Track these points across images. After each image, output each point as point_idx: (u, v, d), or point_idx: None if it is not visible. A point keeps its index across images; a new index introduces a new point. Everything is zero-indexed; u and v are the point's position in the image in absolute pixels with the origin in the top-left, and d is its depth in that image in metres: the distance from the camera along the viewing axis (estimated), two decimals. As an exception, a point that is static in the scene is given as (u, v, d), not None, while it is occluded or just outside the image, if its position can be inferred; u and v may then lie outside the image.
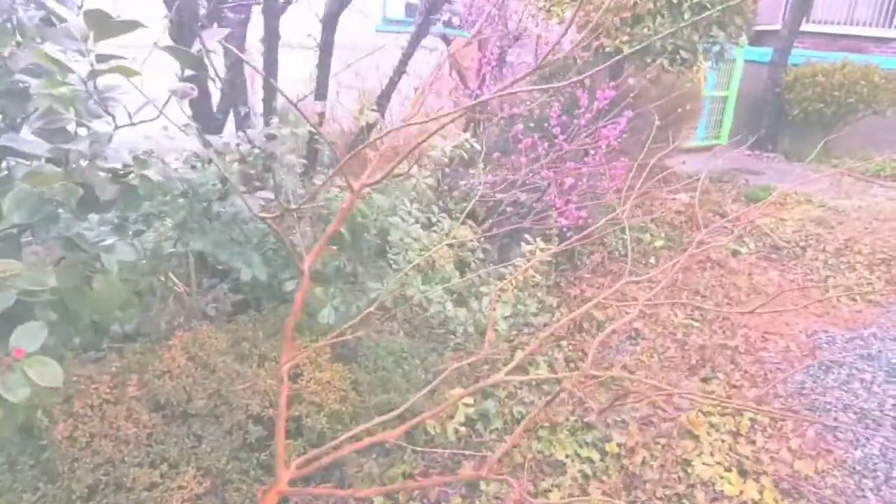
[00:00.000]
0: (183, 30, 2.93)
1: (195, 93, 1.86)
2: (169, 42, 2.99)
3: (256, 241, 2.85)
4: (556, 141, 4.31)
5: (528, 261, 3.46)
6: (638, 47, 5.40)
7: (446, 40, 6.74)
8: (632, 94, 4.86)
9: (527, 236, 3.59)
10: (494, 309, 3.21)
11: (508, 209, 4.87)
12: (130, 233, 2.26)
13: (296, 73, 4.82)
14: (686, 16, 5.74)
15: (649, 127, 8.54)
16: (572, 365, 4.22)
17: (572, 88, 5.93)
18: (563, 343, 4.44)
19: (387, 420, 2.54)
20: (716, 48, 6.32)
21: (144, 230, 2.45)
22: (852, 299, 5.53)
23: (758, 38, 13.46)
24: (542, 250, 3.48)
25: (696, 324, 4.91)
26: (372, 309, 2.54)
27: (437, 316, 2.95)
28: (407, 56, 3.91)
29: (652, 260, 6.03)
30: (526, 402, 3.79)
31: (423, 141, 2.20)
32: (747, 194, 8.28)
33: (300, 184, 2.78)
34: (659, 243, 6.40)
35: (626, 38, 5.67)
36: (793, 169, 10.30)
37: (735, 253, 6.42)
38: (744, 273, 5.91)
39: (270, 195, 2.46)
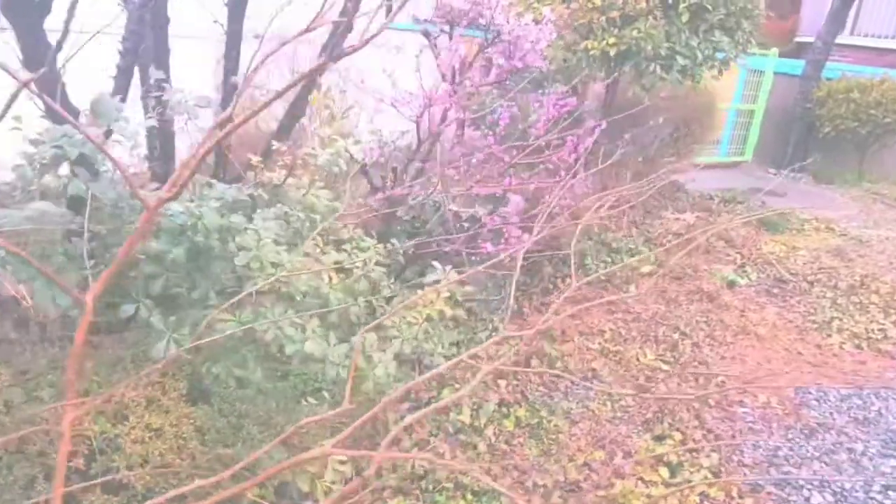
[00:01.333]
0: (18, 3, 2.50)
1: None
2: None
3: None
4: (492, 152, 3.77)
5: (437, 291, 2.94)
6: (613, 52, 4.83)
7: (428, 37, 6.25)
8: (584, 104, 4.27)
9: (435, 263, 3.08)
10: (382, 350, 2.70)
11: (465, 224, 4.35)
12: None
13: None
14: (683, 18, 5.13)
15: (653, 140, 7.92)
16: (504, 410, 3.67)
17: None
18: (502, 383, 3.89)
19: (222, 479, 2.07)
20: (721, 55, 5.68)
21: None
22: (858, 347, 4.84)
23: (799, 51, 12.61)
24: (454, 281, 2.96)
25: (665, 367, 4.30)
26: (181, 351, 2.06)
27: (297, 355, 2.46)
28: (327, 48, 3.43)
29: (632, 288, 5.41)
30: (438, 454, 3.27)
31: (231, 131, 1.72)
32: (760, 219, 7.54)
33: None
34: (646, 269, 5.78)
35: (613, 40, 5.08)
36: (820, 192, 9.49)
37: (732, 284, 5.76)
38: (736, 308, 5.26)
39: (53, 207, 2.02)
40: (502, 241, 4.02)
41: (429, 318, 3.07)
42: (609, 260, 5.87)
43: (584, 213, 5.81)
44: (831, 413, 4.01)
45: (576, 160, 4.39)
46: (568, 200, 4.43)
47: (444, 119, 4.79)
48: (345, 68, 3.94)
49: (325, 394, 3.38)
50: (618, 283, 5.50)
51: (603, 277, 5.59)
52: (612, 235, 6.39)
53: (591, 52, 5.18)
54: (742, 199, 8.41)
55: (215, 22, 3.30)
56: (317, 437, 2.84)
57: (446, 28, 5.03)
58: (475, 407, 3.60)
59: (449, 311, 2.97)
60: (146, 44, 3.39)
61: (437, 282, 2.96)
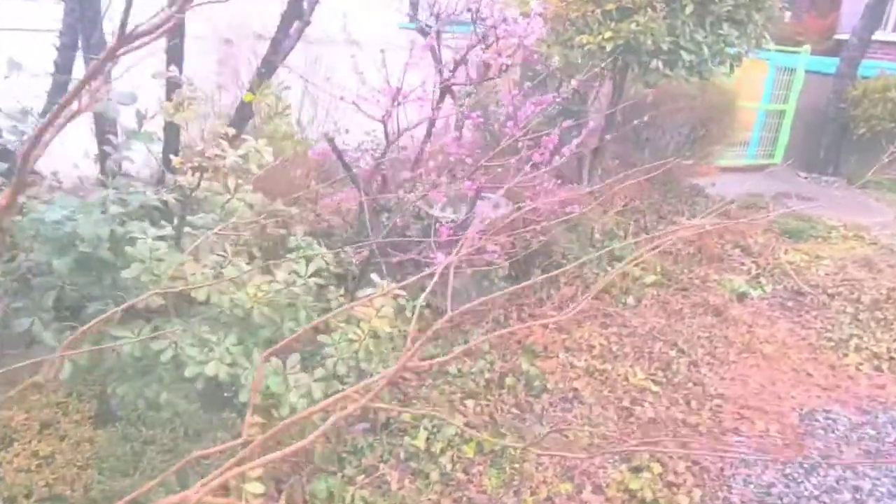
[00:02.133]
0: None
1: None
2: None
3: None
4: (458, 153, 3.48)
5: (376, 305, 2.67)
6: (609, 46, 4.49)
7: (424, 33, 6.00)
8: (558, 99, 3.94)
9: (374, 276, 2.81)
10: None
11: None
12: None
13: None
14: (687, 10, 4.76)
15: (668, 142, 7.50)
16: (467, 434, 3.37)
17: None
18: (469, 403, 3.59)
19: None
20: (732, 50, 5.28)
21: None
22: (877, 369, 4.40)
23: (838, 48, 11.97)
24: (392, 295, 2.68)
25: (655, 388, 3.94)
26: (46, 376, 1.83)
27: (200, 378, 2.22)
28: (276, 43, 3.20)
29: (630, 300, 5.04)
30: (384, 484, 3.00)
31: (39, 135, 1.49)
32: (782, 225, 7.06)
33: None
34: (650, 279, 5.40)
35: (609, 34, 4.74)
36: (853, 196, 8.90)
37: (742, 296, 5.33)
38: (744, 323, 4.85)
39: None
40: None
41: (374, 335, 2.80)
42: (609, 269, 5.51)
43: (582, 218, 5.50)
44: (838, 444, 3.60)
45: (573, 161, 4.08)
46: (552, 204, 4.12)
47: (433, 120, 4.52)
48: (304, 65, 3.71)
49: (275, 412, 3.14)
50: (615, 293, 5.14)
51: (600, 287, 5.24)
52: (617, 242, 6.02)
53: (587, 48, 4.84)
54: (765, 203, 7.91)
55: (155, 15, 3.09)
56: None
57: (431, 23, 4.76)
58: (434, 430, 3.31)
59: (387, 329, 2.69)
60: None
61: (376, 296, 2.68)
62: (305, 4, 3.38)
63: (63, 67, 3.14)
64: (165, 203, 2.43)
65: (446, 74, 4.76)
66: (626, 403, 3.77)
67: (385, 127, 3.80)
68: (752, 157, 10.11)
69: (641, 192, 7.10)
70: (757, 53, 5.61)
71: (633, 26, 4.67)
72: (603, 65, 5.30)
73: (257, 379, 2.06)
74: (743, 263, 6.03)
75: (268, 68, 3.23)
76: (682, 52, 4.92)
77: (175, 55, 3.11)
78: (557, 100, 3.95)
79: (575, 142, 3.99)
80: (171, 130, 3.29)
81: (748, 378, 4.14)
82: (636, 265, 5.61)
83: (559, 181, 6.83)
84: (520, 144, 3.62)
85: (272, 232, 3.29)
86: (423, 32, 5.68)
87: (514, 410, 3.64)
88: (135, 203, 2.30)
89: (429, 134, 4.75)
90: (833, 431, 3.71)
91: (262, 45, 3.67)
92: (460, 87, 4.94)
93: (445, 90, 4.75)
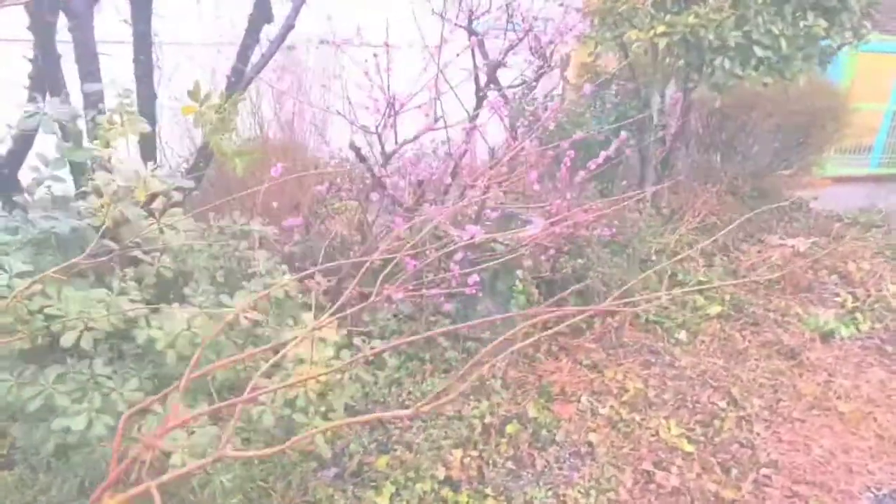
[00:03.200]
0: None
1: None
2: None
3: None
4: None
5: (305, 347, 2.32)
6: (663, 43, 3.87)
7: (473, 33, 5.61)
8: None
9: (306, 315, 2.45)
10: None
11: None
12: None
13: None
14: (760, -3, 4.04)
15: (760, 149, 6.61)
16: (445, 492, 2.94)
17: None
18: (457, 453, 3.15)
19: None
20: (825, 42, 4.46)
21: None
22: None
23: None
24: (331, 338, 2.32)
25: (689, 447, 3.31)
26: None
27: (71, 435, 1.97)
28: (243, 50, 2.93)
29: (682, 335, 4.36)
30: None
31: None
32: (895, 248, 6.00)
33: None
34: (714, 309, 4.68)
35: (662, 28, 4.11)
36: None
37: (829, 335, 4.49)
38: (823, 370, 4.05)
39: None
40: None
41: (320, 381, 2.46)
42: (668, 297, 4.84)
43: (633, 237, 4.86)
44: (921, 543, 2.84)
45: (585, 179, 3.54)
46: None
47: (469, 129, 4.14)
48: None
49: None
50: (669, 326, 4.48)
51: (652, 317, 4.59)
52: (685, 266, 5.32)
53: (636, 45, 4.24)
54: (881, 222, 6.79)
55: (123, 21, 2.93)
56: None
57: (462, 22, 4.36)
58: (404, 484, 2.91)
59: (323, 378, 2.33)
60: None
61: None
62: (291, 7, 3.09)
63: (38, 80, 3.04)
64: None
65: (483, 78, 4.38)
66: (647, 465, 3.18)
67: (380, 139, 3.45)
68: (875, 166, 8.88)
69: (723, 205, 6.29)
70: (859, 48, 4.72)
71: (691, 19, 4.02)
72: (660, 62, 4.68)
73: (116, 441, 1.77)
74: (837, 294, 5.12)
75: (237, 78, 2.98)
76: (756, 48, 4.19)
77: (141, 63, 2.93)
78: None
79: (603, 155, 3.44)
80: (147, 145, 3.12)
81: (813, 442, 3.40)
82: (699, 292, 4.90)
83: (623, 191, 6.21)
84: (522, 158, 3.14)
85: (242, 255, 3.03)
86: (473, 33, 5.27)
87: (510, 465, 3.16)
88: (36, 230, 2.10)
89: (466, 144, 4.36)
90: (917, 523, 2.94)
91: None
92: (513, 92, 4.54)
93: (484, 95, 4.37)
